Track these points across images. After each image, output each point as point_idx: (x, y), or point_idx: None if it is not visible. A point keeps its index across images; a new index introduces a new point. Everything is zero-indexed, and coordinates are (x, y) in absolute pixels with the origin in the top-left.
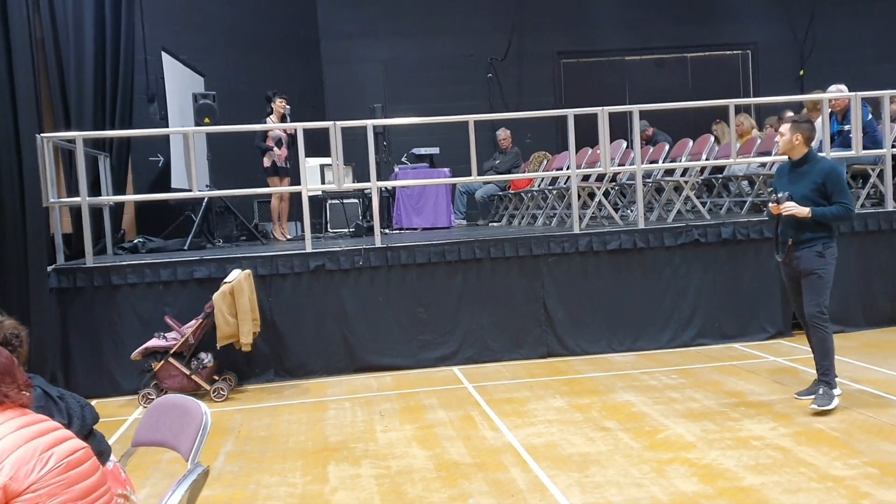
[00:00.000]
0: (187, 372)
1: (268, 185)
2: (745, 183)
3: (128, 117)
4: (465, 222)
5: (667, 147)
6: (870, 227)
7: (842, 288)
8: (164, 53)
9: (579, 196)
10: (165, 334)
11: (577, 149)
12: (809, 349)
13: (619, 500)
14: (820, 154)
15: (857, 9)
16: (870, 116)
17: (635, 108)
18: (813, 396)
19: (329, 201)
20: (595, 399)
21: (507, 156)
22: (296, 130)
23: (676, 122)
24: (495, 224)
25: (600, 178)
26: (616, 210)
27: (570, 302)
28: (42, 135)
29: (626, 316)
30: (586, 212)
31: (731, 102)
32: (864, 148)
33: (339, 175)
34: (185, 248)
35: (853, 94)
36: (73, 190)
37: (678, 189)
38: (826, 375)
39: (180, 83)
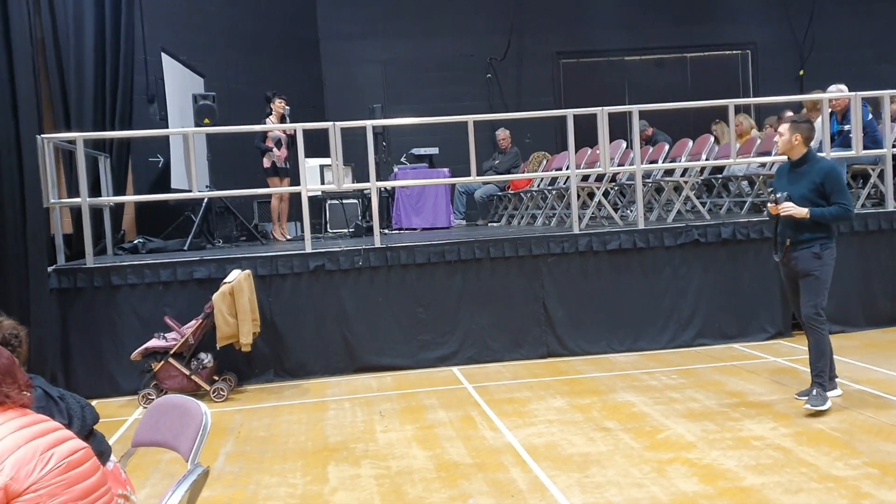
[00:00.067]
0: (187, 372)
1: (267, 186)
2: (744, 183)
3: (128, 118)
4: (464, 222)
5: (666, 147)
6: (870, 226)
7: (842, 288)
8: (163, 54)
9: (579, 196)
10: (165, 335)
11: (577, 149)
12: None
13: (619, 500)
14: (819, 154)
15: (857, 9)
16: (870, 116)
17: (635, 108)
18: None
19: (329, 201)
20: (595, 399)
21: (506, 156)
22: (295, 131)
23: (676, 122)
24: (495, 224)
25: (600, 178)
26: (616, 210)
27: (570, 302)
28: (42, 135)
29: (627, 316)
30: (586, 212)
31: (731, 102)
32: (865, 148)
33: (339, 175)
34: (185, 248)
35: (853, 93)
36: (73, 190)
37: (678, 189)
38: (820, 377)
39: (180, 84)
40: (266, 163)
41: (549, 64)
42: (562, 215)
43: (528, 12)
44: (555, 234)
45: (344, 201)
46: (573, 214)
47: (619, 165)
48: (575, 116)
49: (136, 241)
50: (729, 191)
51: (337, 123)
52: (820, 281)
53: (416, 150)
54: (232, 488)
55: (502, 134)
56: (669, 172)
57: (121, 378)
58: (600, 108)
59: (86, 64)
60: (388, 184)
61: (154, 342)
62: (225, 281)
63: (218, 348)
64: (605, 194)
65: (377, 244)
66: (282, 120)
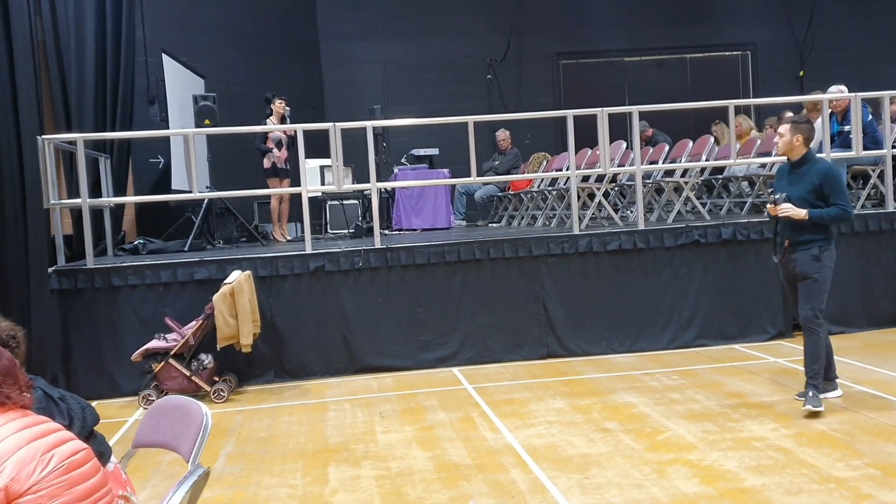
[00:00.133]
0: (187, 373)
1: (268, 187)
2: (745, 184)
3: (128, 119)
4: (464, 223)
5: (666, 148)
6: (870, 227)
7: (843, 289)
8: (164, 55)
9: (579, 197)
10: (166, 335)
11: (577, 149)
12: None
13: (619, 501)
14: (818, 155)
15: (857, 9)
16: (870, 117)
17: (635, 109)
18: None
19: (329, 202)
20: (595, 400)
21: (506, 157)
22: (295, 132)
23: (676, 122)
24: (495, 225)
25: (600, 178)
26: (616, 211)
27: (570, 303)
28: (43, 136)
29: (627, 317)
30: (586, 212)
31: (731, 103)
32: (865, 148)
33: (339, 176)
34: (186, 249)
35: (853, 94)
36: (73, 191)
37: (678, 190)
38: (814, 379)
39: (180, 85)
40: (266, 163)
41: (549, 64)
42: (562, 216)
43: (527, 13)
44: (555, 234)
45: (344, 202)
46: (573, 215)
47: (619, 166)
48: (575, 117)
49: (136, 242)
50: (729, 191)
51: (337, 124)
52: (819, 284)
53: (416, 151)
54: (232, 489)
55: (502, 135)
56: (669, 173)
57: (121, 379)
58: (600, 109)
59: (86, 65)
60: (389, 184)
61: (154, 343)
62: (225, 282)
63: (218, 349)
64: (606, 195)
65: (377, 245)
66: (282, 121)
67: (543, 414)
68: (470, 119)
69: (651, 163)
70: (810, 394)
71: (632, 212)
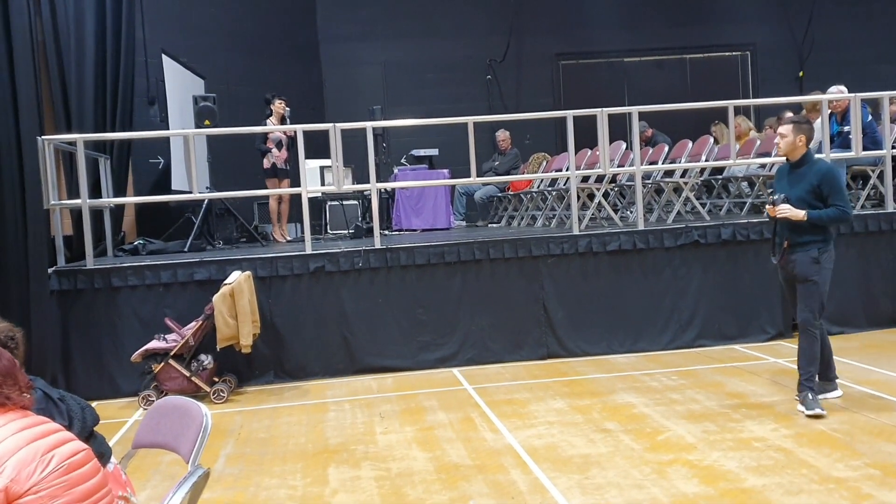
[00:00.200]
0: (187, 374)
1: (267, 188)
2: (744, 184)
3: (128, 119)
4: (464, 223)
5: (666, 148)
6: (870, 227)
7: (843, 289)
8: (164, 56)
9: (579, 197)
10: (165, 336)
11: (577, 150)
12: None
13: (619, 501)
14: (817, 155)
15: (856, 9)
16: (869, 117)
17: (634, 110)
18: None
19: (329, 203)
20: (595, 400)
21: (506, 157)
22: (296, 132)
23: (675, 123)
24: (495, 225)
25: (600, 179)
26: (615, 211)
27: (569, 303)
28: (43, 137)
29: (626, 317)
30: (586, 213)
31: (731, 104)
32: (864, 149)
33: (339, 177)
34: (186, 249)
35: (853, 95)
36: (73, 192)
37: (678, 190)
38: (809, 381)
39: (180, 85)
40: (266, 164)
41: (549, 65)
42: (562, 216)
43: (527, 14)
44: (555, 235)
45: (344, 202)
46: (573, 215)
47: (618, 166)
48: (575, 118)
49: (136, 243)
50: (729, 192)
51: (337, 125)
52: (818, 286)
53: (415, 152)
54: (232, 490)
55: (502, 135)
56: (669, 173)
57: (121, 379)
58: (600, 110)
59: (86, 65)
60: (388, 185)
61: (154, 344)
62: (225, 282)
63: (218, 350)
64: (605, 195)
65: (377, 245)
66: (282, 121)
67: (543, 414)
68: (470, 119)
69: (651, 163)
70: (809, 396)
71: (631, 212)
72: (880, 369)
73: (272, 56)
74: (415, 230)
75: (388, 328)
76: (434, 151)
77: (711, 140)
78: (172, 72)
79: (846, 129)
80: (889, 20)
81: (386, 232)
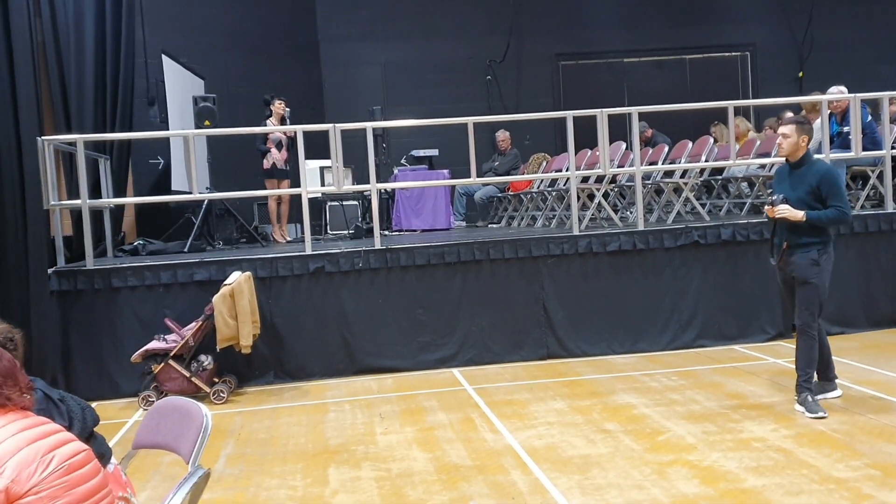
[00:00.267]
0: (187, 374)
1: (267, 188)
2: (744, 184)
3: (128, 120)
4: (464, 224)
5: (666, 148)
6: (870, 228)
7: (842, 289)
8: (164, 56)
9: (578, 197)
10: (165, 336)
11: (577, 150)
12: None
13: (619, 502)
14: (816, 156)
15: (856, 10)
16: (869, 118)
17: (634, 110)
18: (803, 405)
19: (329, 203)
20: (595, 401)
21: (506, 157)
22: (295, 133)
23: (675, 123)
24: (494, 226)
25: (599, 179)
26: (615, 211)
27: (569, 303)
28: (43, 138)
29: (626, 317)
30: (586, 213)
31: (730, 104)
32: (864, 149)
33: (339, 177)
34: (186, 250)
35: (852, 95)
36: (73, 192)
37: (677, 190)
38: (808, 383)
39: (180, 86)
40: (266, 164)
41: (549, 66)
42: (561, 217)
43: (527, 14)
44: (554, 235)
45: (344, 203)
46: (573, 216)
47: (618, 167)
48: (574, 118)
49: (136, 243)
50: (728, 192)
51: (337, 125)
52: (817, 288)
53: (415, 152)
54: (232, 490)
55: (502, 135)
56: (669, 174)
57: (121, 380)
58: (600, 110)
59: (86, 66)
60: (388, 185)
61: (154, 344)
62: (225, 283)
63: (218, 350)
64: (605, 196)
65: (377, 246)
66: (282, 122)
67: (543, 415)
68: (470, 120)
69: (650, 164)
70: (809, 398)
71: (631, 213)
72: (880, 370)
73: (272, 56)
74: (415, 231)
75: (388, 329)
76: (434, 152)
77: (711, 140)
78: (172, 72)
79: (846, 129)
80: (889, 20)
81: (386, 232)
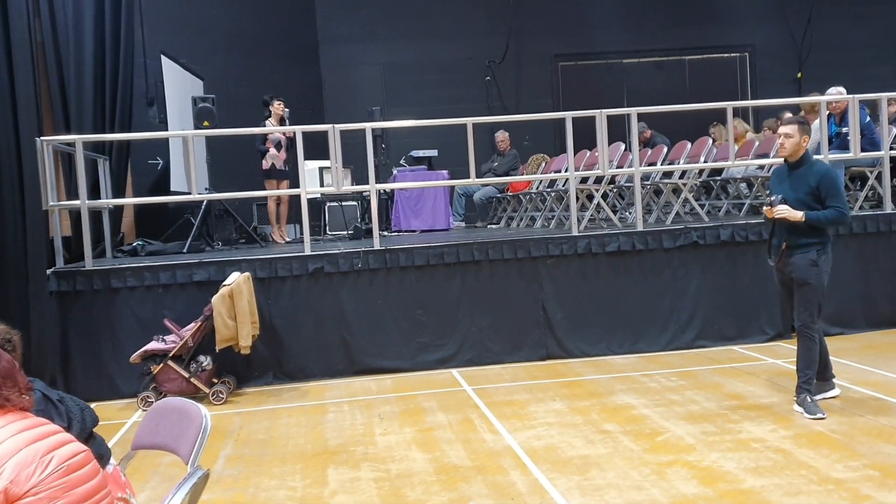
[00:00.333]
0: (186, 375)
1: (266, 188)
2: (743, 185)
3: (127, 121)
4: (463, 224)
5: (665, 149)
6: (869, 228)
7: (842, 290)
8: (163, 57)
9: (578, 198)
10: (164, 337)
11: (576, 151)
12: None
13: (619, 502)
14: (815, 157)
15: (855, 11)
16: (868, 119)
17: (633, 111)
18: (801, 406)
19: (328, 204)
20: (595, 401)
21: (505, 158)
22: (295, 133)
23: (674, 124)
24: (494, 226)
25: (598, 180)
26: (614, 212)
27: (569, 304)
28: (42, 138)
29: (626, 318)
30: (585, 214)
31: (729, 105)
32: (863, 150)
33: (338, 177)
34: (185, 250)
35: (851, 96)
36: (72, 193)
37: (676, 191)
38: (808, 384)
39: (179, 87)
40: (265, 165)
41: (548, 66)
42: (561, 217)
43: (526, 15)
44: (554, 236)
45: (343, 203)
46: (572, 216)
47: (617, 167)
48: (573, 119)
49: (135, 244)
50: (727, 193)
51: (336, 126)
52: (816, 289)
53: (415, 153)
54: (231, 491)
55: (501, 136)
56: (668, 174)
57: (120, 381)
58: (599, 111)
59: (85, 67)
60: (388, 186)
61: (153, 345)
62: (224, 283)
63: (217, 351)
64: (604, 196)
65: (376, 246)
66: (281, 122)
67: (543, 415)
68: (469, 121)
69: (649, 164)
70: (808, 400)
71: (630, 213)
72: (879, 370)
73: (271, 57)
74: (414, 231)
75: (387, 329)
76: (433, 152)
77: (710, 141)
78: (171, 73)
79: (844, 130)
80: (888, 22)
81: (385, 233)
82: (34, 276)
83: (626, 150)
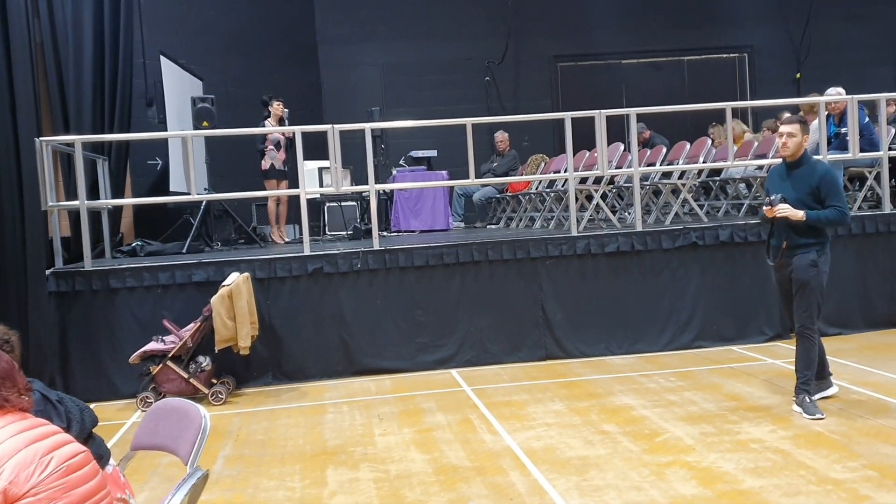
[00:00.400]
0: (185, 375)
1: (266, 189)
2: (742, 185)
3: (126, 121)
4: (462, 225)
5: (664, 150)
6: (867, 229)
7: (840, 290)
8: (162, 57)
9: (577, 199)
10: (164, 338)
11: (575, 151)
12: None
13: (618, 503)
14: (814, 157)
15: (853, 11)
16: (866, 119)
17: (632, 111)
18: (800, 407)
19: (327, 204)
20: (594, 402)
21: (504, 158)
22: (294, 133)
23: (673, 124)
24: (493, 226)
25: (598, 180)
26: (614, 212)
27: (568, 304)
28: (41, 138)
29: (625, 318)
30: (584, 214)
31: (728, 105)
32: (861, 151)
33: (338, 178)
34: (184, 251)
35: (850, 97)
36: (71, 193)
37: (675, 191)
38: (807, 384)
39: (179, 87)
40: (265, 165)
41: (547, 67)
42: (560, 218)
43: (525, 16)
44: (553, 236)
45: (342, 204)
46: (571, 217)
47: (616, 168)
48: (573, 119)
49: (134, 244)
50: (726, 193)
51: (336, 126)
52: (815, 290)
53: (414, 153)
54: (230, 492)
55: (500, 136)
56: (667, 175)
57: (119, 381)
58: (598, 111)
59: (84, 67)
60: (387, 186)
61: (152, 345)
62: (223, 284)
63: (216, 351)
64: (603, 197)
65: (376, 247)
66: (280, 122)
67: (542, 416)
68: (468, 121)
69: (648, 165)
70: (807, 400)
71: (629, 214)
72: (878, 371)
73: (270, 57)
74: (413, 231)
75: (386, 330)
76: (432, 153)
77: (709, 141)
78: (171, 73)
79: (843, 130)
80: (886, 22)
81: (384, 233)
82: (33, 277)
83: (625, 150)
